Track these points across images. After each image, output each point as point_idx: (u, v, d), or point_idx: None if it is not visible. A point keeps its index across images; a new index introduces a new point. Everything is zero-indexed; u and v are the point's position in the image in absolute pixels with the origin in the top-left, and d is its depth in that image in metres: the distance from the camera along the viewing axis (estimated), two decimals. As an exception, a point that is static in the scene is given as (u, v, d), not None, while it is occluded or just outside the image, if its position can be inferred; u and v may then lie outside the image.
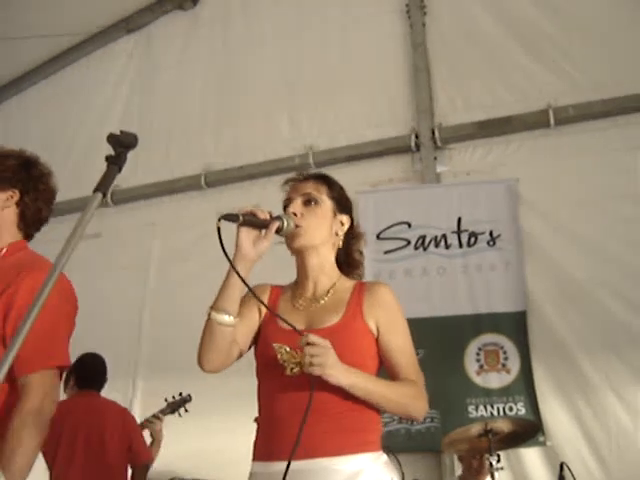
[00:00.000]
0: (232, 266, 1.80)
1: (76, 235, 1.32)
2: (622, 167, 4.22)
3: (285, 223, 1.89)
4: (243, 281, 1.80)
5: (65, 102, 5.93)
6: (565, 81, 4.51)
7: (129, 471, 3.89)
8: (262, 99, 5.29)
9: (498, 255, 4.40)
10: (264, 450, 1.87)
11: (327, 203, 2.02)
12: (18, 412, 1.85)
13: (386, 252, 4.53)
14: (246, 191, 5.11)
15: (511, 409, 4.11)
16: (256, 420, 1.99)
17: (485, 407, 4.16)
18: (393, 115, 4.93)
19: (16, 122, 6.15)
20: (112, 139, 1.46)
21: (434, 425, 4.15)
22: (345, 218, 2.06)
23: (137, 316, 5.09)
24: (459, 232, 4.48)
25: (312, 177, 2.08)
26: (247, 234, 1.84)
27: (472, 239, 4.45)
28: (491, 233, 4.43)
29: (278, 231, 1.88)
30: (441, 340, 4.27)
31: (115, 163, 1.45)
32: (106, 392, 4.05)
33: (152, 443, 4.09)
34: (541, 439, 3.96)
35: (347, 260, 2.08)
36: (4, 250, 2.07)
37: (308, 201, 2.00)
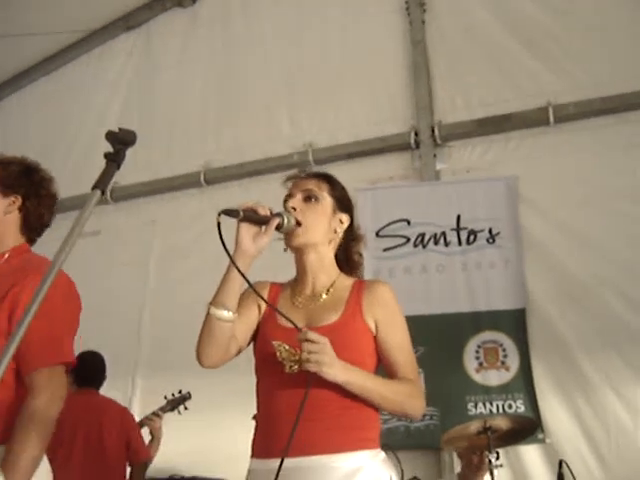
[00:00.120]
0: (232, 261, 1.80)
1: (75, 233, 1.32)
2: (621, 165, 4.21)
3: (285, 220, 1.89)
4: (243, 276, 1.80)
5: (65, 99, 5.93)
6: (565, 78, 4.50)
7: (128, 469, 3.90)
8: (262, 96, 5.28)
9: (497, 253, 4.39)
10: (262, 447, 1.88)
11: (327, 200, 2.02)
12: (25, 410, 1.89)
13: (385, 249, 4.53)
14: (246, 189, 5.11)
15: (510, 407, 4.12)
16: (254, 417, 1.99)
17: (484, 404, 4.16)
18: (393, 112, 4.92)
19: (16, 119, 6.14)
20: (111, 136, 1.46)
21: (433, 422, 4.15)
22: (345, 217, 2.06)
23: (136, 314, 5.08)
24: (458, 230, 4.48)
25: (314, 175, 2.09)
26: (247, 230, 1.84)
27: (471, 237, 4.45)
28: (490, 231, 4.43)
29: (278, 228, 1.88)
30: (440, 338, 4.26)
31: (114, 160, 1.45)
32: (105, 390, 4.06)
33: (151, 441, 4.09)
34: (540, 436, 3.96)
35: (346, 261, 2.08)
36: (8, 254, 2.13)
37: (308, 197, 2.00)
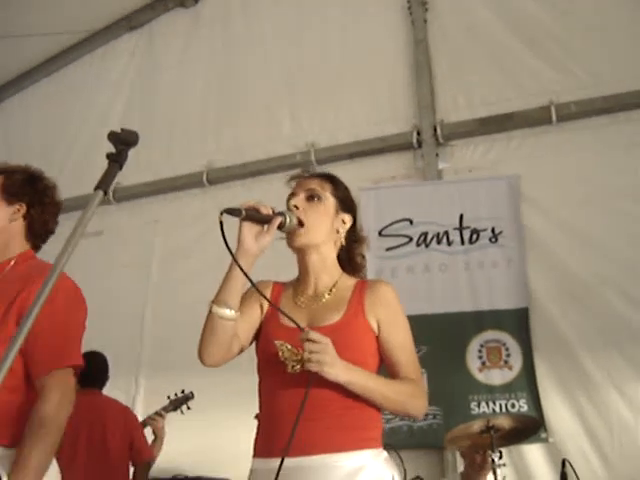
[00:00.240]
0: (234, 259, 1.80)
1: (77, 233, 1.32)
2: (623, 164, 4.20)
3: (287, 219, 1.89)
4: (245, 275, 1.80)
5: (67, 100, 5.93)
6: (567, 78, 4.49)
7: (131, 469, 3.90)
8: (263, 96, 5.28)
9: (500, 252, 4.39)
10: (264, 447, 1.88)
11: (330, 200, 2.02)
12: (35, 414, 1.91)
13: (388, 249, 4.52)
14: (248, 189, 5.11)
15: (513, 406, 4.11)
16: (257, 417, 1.99)
17: (487, 404, 4.16)
18: (395, 112, 4.91)
19: (18, 120, 6.16)
20: (113, 137, 1.46)
21: (436, 422, 4.15)
22: (347, 217, 2.06)
23: (139, 314, 5.09)
24: (461, 229, 4.48)
25: (318, 175, 2.09)
26: (249, 229, 1.84)
27: (474, 236, 4.45)
28: (493, 230, 4.43)
29: (280, 227, 1.88)
30: (443, 337, 4.26)
31: (116, 161, 1.45)
32: (108, 390, 4.06)
33: (154, 440, 4.10)
34: (543, 436, 3.96)
35: (349, 262, 2.08)
36: (14, 260, 2.16)
37: (311, 197, 2.00)
